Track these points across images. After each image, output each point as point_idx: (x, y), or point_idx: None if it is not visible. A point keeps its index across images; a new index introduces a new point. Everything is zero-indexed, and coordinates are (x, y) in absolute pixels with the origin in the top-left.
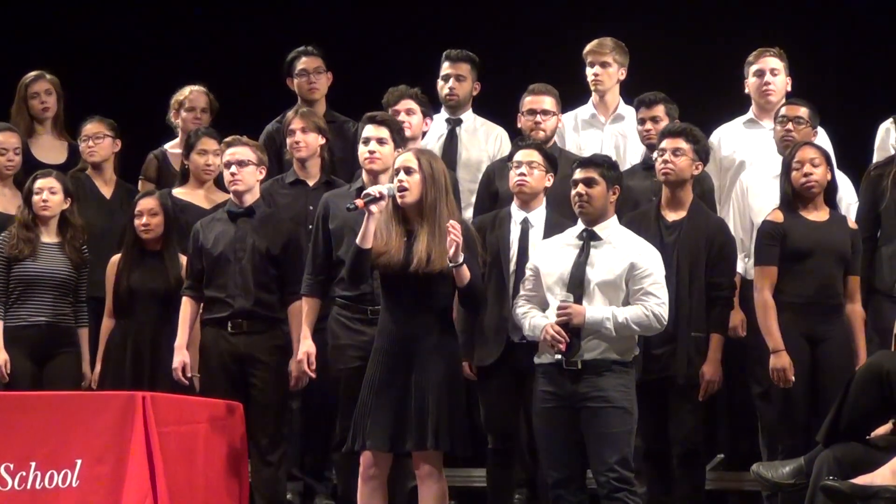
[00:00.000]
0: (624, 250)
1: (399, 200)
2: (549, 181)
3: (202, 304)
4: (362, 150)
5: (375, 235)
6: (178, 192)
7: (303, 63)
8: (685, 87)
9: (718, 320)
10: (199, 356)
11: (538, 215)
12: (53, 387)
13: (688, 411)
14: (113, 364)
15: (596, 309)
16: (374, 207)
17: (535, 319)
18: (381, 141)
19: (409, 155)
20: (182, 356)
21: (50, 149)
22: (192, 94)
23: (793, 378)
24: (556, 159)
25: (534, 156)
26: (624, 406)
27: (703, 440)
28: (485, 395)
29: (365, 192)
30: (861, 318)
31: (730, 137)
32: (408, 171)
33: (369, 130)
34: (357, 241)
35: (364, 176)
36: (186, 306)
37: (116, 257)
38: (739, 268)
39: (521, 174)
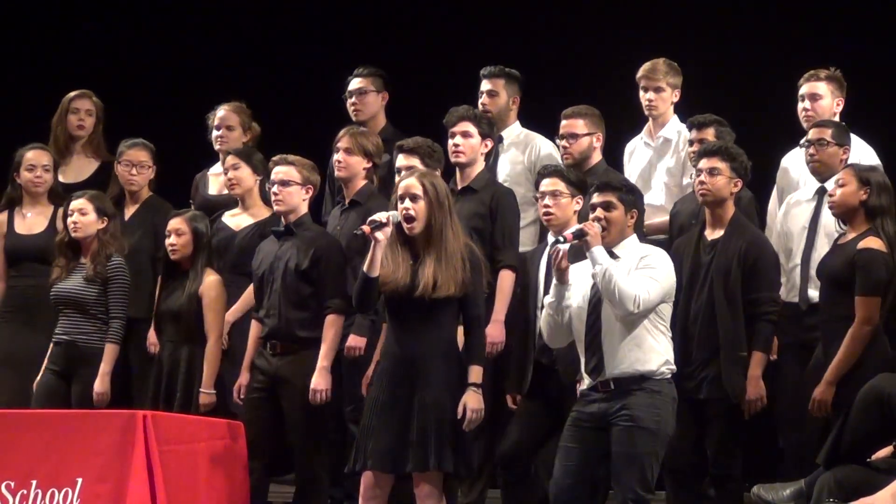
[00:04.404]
0: (633, 258)
1: (407, 230)
2: (577, 204)
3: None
4: (398, 181)
5: (382, 264)
6: (228, 213)
7: (350, 85)
8: (753, 110)
9: (758, 337)
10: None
11: None
12: (75, 407)
13: (723, 434)
14: (146, 385)
15: (603, 255)
16: (379, 234)
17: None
18: (411, 171)
19: (413, 180)
20: (242, 378)
21: (75, 169)
22: (221, 111)
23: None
24: (583, 181)
25: (557, 185)
26: (650, 427)
27: (741, 465)
28: (517, 417)
29: (370, 218)
30: (849, 340)
31: (786, 164)
32: (413, 198)
33: (401, 160)
34: (364, 268)
35: None
36: (252, 328)
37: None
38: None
39: (546, 206)
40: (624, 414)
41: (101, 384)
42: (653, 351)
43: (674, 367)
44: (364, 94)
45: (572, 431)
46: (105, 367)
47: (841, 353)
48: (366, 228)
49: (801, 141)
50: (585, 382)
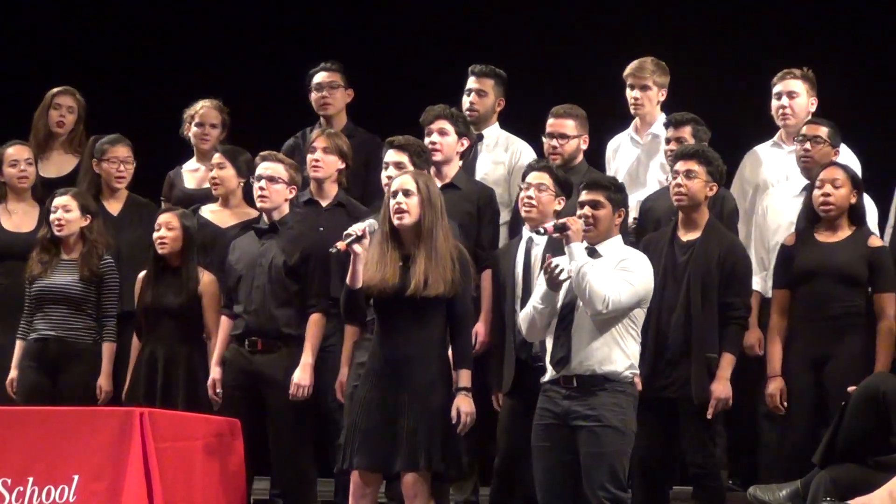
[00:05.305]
0: (614, 259)
1: (396, 222)
2: (559, 204)
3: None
4: (383, 175)
5: (367, 266)
6: (207, 208)
7: (319, 78)
8: (726, 109)
9: (730, 340)
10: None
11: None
12: (64, 402)
13: (697, 432)
14: (135, 381)
15: (581, 252)
16: (357, 247)
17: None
18: (398, 165)
19: (407, 177)
20: (214, 373)
21: (56, 164)
22: (203, 109)
23: (780, 406)
24: (569, 183)
25: (543, 178)
26: (616, 426)
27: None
28: (501, 415)
29: (346, 232)
30: (885, 335)
31: (755, 160)
32: (406, 193)
33: (391, 155)
34: (347, 281)
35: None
36: (222, 324)
37: (143, 273)
38: (759, 286)
39: (529, 196)
40: (589, 415)
41: (106, 382)
42: (620, 353)
43: (637, 370)
44: (335, 89)
45: (540, 430)
46: (108, 366)
47: (883, 353)
48: (341, 245)
49: (797, 136)
50: (549, 374)
